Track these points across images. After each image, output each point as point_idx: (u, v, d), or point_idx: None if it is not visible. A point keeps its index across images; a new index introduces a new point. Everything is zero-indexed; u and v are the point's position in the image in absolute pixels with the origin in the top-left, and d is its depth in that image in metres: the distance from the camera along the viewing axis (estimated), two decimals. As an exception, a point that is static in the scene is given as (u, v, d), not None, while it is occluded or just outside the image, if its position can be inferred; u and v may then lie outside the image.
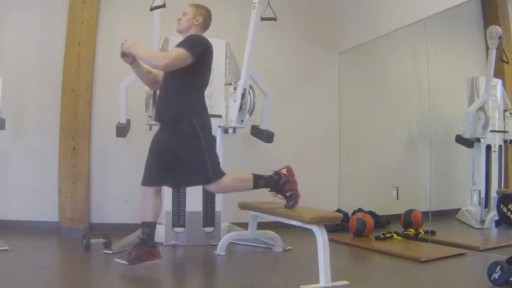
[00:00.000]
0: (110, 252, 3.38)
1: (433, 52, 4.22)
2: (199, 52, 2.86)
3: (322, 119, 5.23)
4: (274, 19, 3.61)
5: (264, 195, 3.19)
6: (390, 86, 5.17)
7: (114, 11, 4.52)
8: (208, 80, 3.06)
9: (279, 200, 3.08)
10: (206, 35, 3.15)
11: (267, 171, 3.10)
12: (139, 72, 3.01)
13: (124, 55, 2.84)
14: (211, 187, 2.94)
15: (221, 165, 3.79)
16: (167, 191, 3.77)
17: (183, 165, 2.88)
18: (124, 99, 3.82)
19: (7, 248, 3.37)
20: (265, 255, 3.62)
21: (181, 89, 2.90)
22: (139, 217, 3.03)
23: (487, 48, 4.31)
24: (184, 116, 2.87)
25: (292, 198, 2.99)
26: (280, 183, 3.00)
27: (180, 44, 2.89)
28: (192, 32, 3.02)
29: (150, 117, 3.73)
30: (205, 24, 3.10)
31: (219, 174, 2.87)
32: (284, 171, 3.05)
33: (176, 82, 2.90)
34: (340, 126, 5.29)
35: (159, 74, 3.07)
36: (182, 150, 2.87)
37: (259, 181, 2.97)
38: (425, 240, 4.03)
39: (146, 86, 3.76)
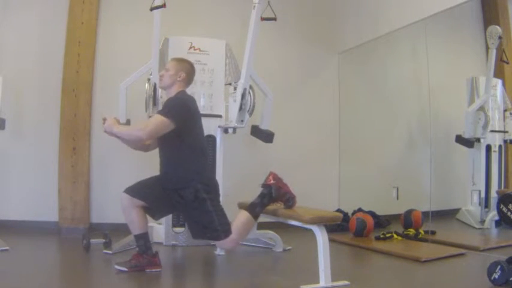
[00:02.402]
0: (110, 252, 3.39)
1: (433, 52, 4.22)
2: (178, 116, 2.85)
3: (322, 119, 5.22)
4: (274, 19, 3.61)
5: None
6: (390, 86, 5.17)
7: (114, 11, 4.51)
8: (202, 135, 3.09)
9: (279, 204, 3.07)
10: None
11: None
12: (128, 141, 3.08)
13: (107, 133, 2.90)
14: (223, 245, 3.00)
15: (221, 166, 3.86)
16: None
17: (192, 224, 3.00)
18: (124, 99, 3.82)
19: (7, 248, 3.37)
20: (265, 255, 3.62)
21: (176, 154, 2.94)
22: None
23: (487, 48, 4.31)
24: (186, 184, 2.90)
25: (290, 200, 3.00)
26: (274, 194, 2.99)
27: (159, 111, 2.92)
28: (175, 88, 3.02)
29: (150, 117, 3.72)
30: (189, 79, 3.10)
31: (228, 233, 2.88)
32: (271, 180, 3.03)
33: (169, 148, 2.95)
34: (340, 126, 5.29)
35: None
36: (190, 213, 2.96)
37: (255, 210, 2.96)
38: (425, 240, 4.02)
39: (146, 87, 3.77)
